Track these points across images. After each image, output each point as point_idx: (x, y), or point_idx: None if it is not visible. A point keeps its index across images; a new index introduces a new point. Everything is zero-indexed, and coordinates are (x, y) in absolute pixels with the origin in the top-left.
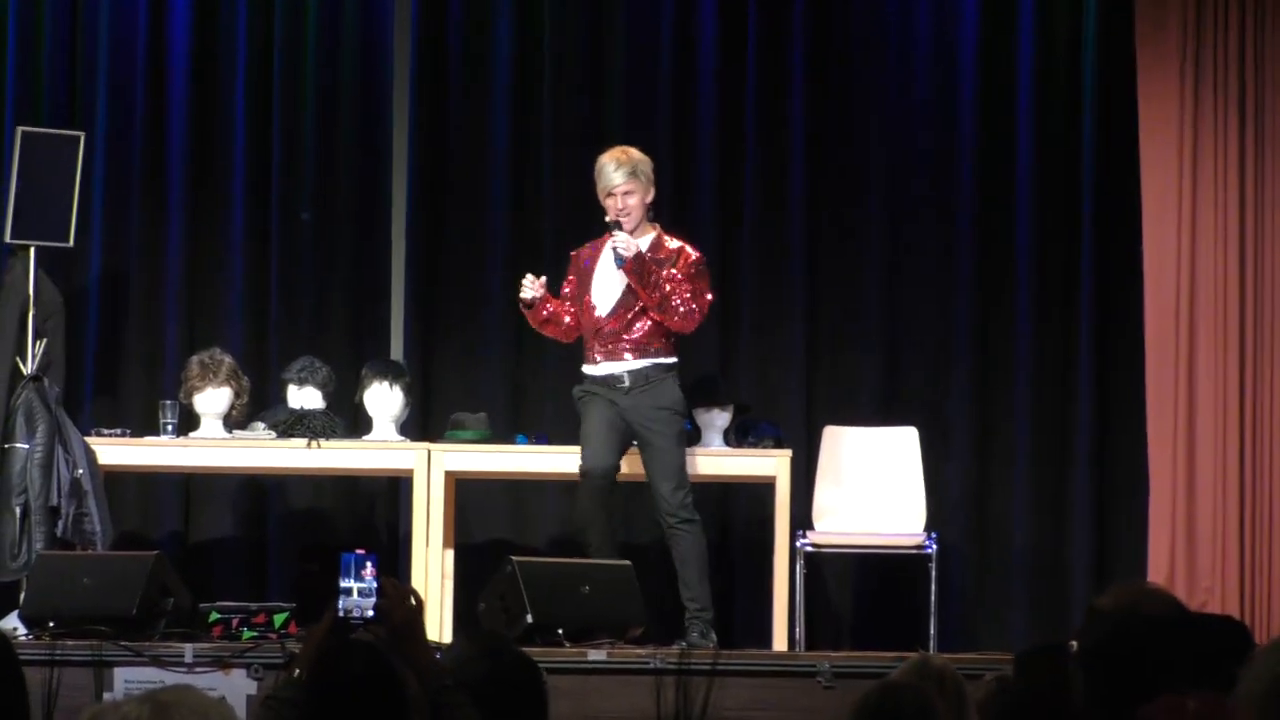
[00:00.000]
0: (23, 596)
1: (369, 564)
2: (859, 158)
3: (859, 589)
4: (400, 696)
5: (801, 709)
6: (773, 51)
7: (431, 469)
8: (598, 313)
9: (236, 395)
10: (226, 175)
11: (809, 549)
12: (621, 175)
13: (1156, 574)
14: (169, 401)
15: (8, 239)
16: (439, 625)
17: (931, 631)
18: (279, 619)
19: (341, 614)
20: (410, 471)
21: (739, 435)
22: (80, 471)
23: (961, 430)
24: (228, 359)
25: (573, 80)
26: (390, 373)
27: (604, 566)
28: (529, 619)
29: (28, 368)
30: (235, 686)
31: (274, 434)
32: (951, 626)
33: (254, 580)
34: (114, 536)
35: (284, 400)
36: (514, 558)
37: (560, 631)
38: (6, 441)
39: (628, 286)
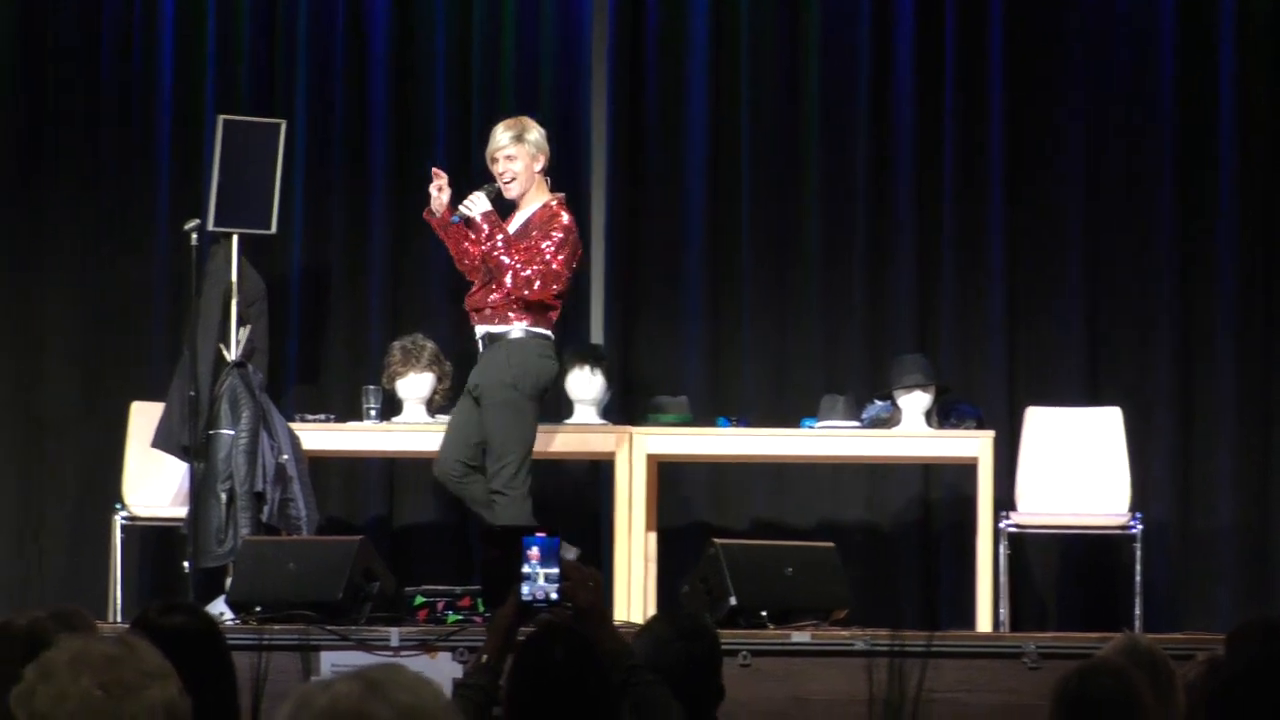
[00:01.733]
0: (229, 582)
1: (551, 546)
2: (1057, 137)
3: (1063, 570)
4: (604, 681)
5: (1006, 690)
6: (971, 28)
7: (633, 452)
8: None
9: (439, 380)
10: (427, 159)
11: (1012, 530)
12: (506, 139)
13: None
14: (372, 387)
15: (210, 226)
16: (641, 608)
17: (1137, 612)
18: (483, 603)
19: (526, 598)
20: (612, 455)
21: (941, 417)
22: (285, 457)
23: (1165, 408)
24: (430, 344)
25: (769, 62)
26: (591, 356)
27: (807, 549)
28: (732, 601)
29: (231, 354)
30: (441, 670)
31: None
32: (1157, 606)
33: (458, 564)
34: (319, 521)
35: None
36: (717, 540)
37: (764, 614)
38: (211, 428)
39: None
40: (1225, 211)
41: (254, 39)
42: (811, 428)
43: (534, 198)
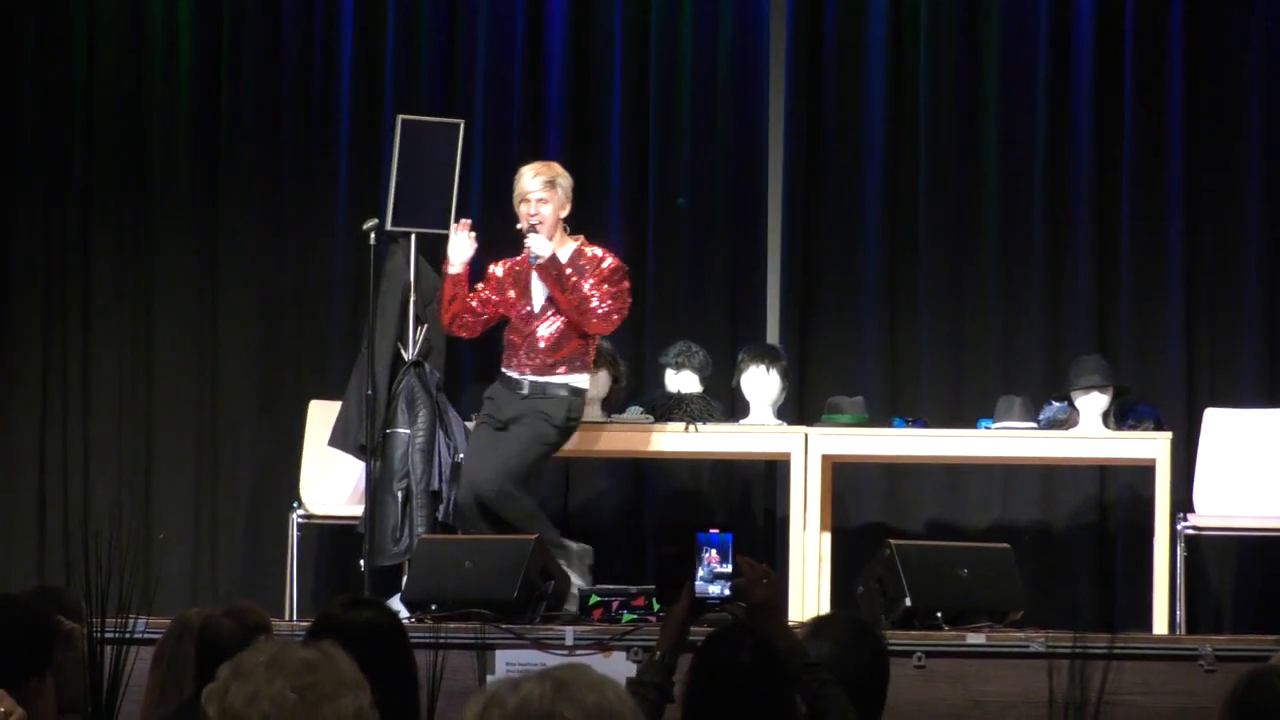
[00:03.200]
0: (405, 580)
1: (726, 543)
2: (1237, 135)
3: (1241, 572)
4: (786, 683)
5: (1183, 692)
6: (1151, 31)
7: (809, 452)
8: (526, 324)
9: (614, 380)
10: (604, 160)
11: (1190, 532)
12: (538, 184)
13: None
14: None
15: (389, 226)
16: (816, 609)
17: None
18: (657, 603)
19: (700, 594)
20: (787, 455)
21: (1119, 418)
22: (461, 456)
23: None
24: (605, 344)
25: (947, 62)
26: (767, 356)
27: (982, 550)
28: (907, 602)
29: (409, 354)
30: (615, 669)
31: (652, 418)
32: None
33: (633, 563)
34: None
35: (661, 384)
36: (892, 541)
37: (939, 615)
38: (389, 427)
39: (546, 299)
40: None
41: (433, 38)
42: (988, 428)
43: (561, 242)
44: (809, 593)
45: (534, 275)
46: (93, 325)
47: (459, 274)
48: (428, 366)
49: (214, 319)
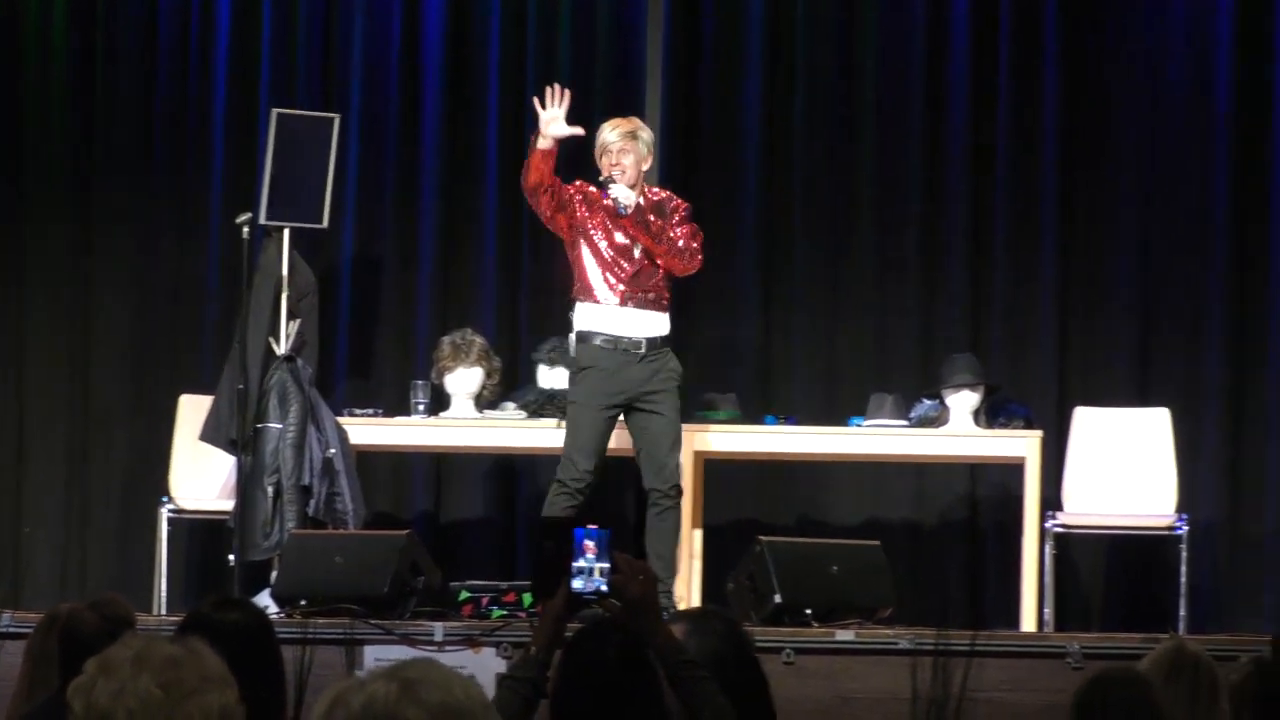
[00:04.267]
0: (274, 575)
1: (603, 539)
2: (1111, 139)
3: (1109, 570)
4: (654, 681)
5: (1050, 690)
6: (1026, 33)
7: (682, 449)
8: (634, 255)
9: (488, 375)
10: (479, 156)
11: (1058, 530)
12: (617, 135)
13: None
14: (420, 381)
15: (262, 220)
16: (687, 605)
17: (1182, 613)
18: (528, 598)
19: (576, 590)
20: None
21: (989, 416)
22: (332, 451)
23: (1214, 410)
24: (479, 339)
25: (823, 64)
26: None
27: (853, 547)
28: (777, 599)
29: (281, 348)
30: (485, 665)
31: (524, 414)
32: (1202, 608)
33: (503, 559)
34: (366, 516)
35: (534, 380)
36: (762, 537)
37: (809, 611)
38: (260, 421)
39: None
40: (1278, 214)
41: (309, 33)
42: (860, 426)
43: (640, 195)
44: (680, 589)
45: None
46: None
47: (548, 148)
48: (300, 361)
49: (86, 312)
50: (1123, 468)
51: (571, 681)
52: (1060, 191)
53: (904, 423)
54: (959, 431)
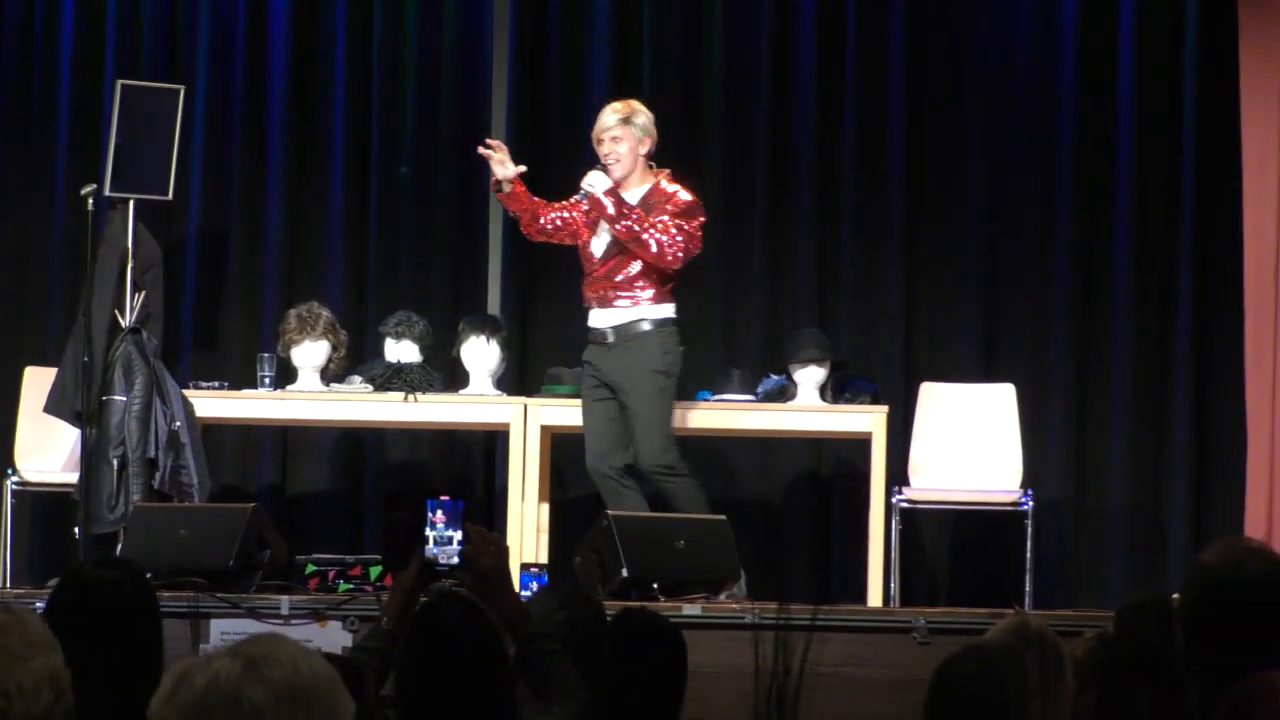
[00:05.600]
0: (120, 548)
1: (455, 511)
2: (958, 119)
3: (955, 545)
4: (499, 653)
5: (896, 664)
6: (874, 11)
7: (528, 423)
8: (596, 256)
9: (334, 349)
10: (326, 130)
11: (904, 505)
12: (613, 120)
13: (1254, 532)
14: (266, 354)
15: (107, 192)
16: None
17: (1027, 589)
18: (375, 571)
19: (428, 560)
20: (507, 426)
21: (835, 391)
22: (178, 424)
23: (1059, 387)
24: (325, 312)
25: (670, 35)
26: (487, 327)
27: (700, 521)
28: (624, 573)
29: (126, 320)
30: (331, 639)
31: (371, 387)
32: (1048, 584)
33: (350, 533)
34: (211, 489)
35: (381, 354)
36: (609, 512)
37: (655, 586)
38: (104, 394)
39: (610, 241)
40: (1123, 195)
41: (155, 4)
42: (707, 400)
43: (640, 179)
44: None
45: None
46: None
47: (506, 194)
48: (145, 333)
49: None
50: (968, 443)
51: (417, 653)
52: (907, 167)
53: (751, 397)
54: (806, 406)
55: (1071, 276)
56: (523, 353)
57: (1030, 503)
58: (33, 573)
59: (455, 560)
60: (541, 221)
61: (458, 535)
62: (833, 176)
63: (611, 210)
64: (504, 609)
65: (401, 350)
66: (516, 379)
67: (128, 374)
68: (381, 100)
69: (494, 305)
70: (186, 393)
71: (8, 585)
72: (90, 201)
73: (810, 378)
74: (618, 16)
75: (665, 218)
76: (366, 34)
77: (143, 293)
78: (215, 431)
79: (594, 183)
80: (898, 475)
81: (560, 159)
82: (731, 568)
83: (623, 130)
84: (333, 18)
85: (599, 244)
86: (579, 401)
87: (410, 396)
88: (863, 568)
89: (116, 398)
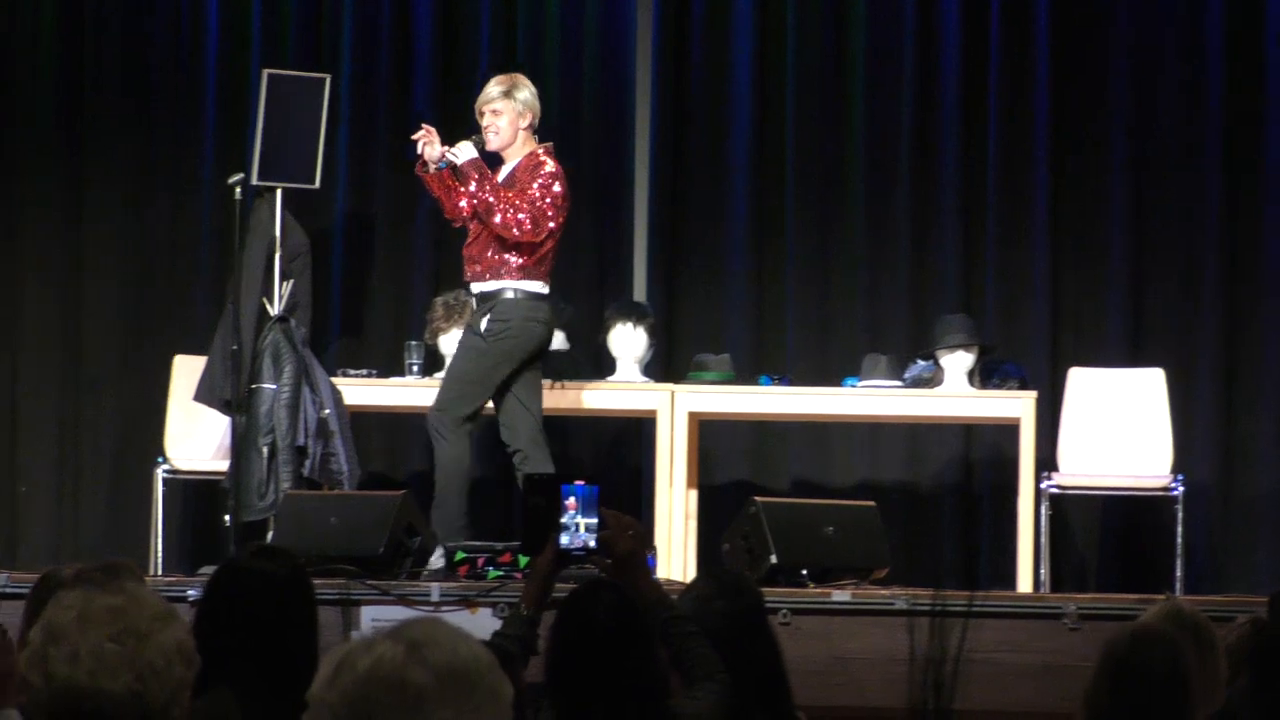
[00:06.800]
0: (270, 536)
1: (591, 495)
2: (1104, 96)
3: (1104, 531)
4: (646, 639)
5: (1046, 650)
6: None
7: (675, 410)
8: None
9: None
10: (470, 117)
11: (1053, 491)
12: (495, 92)
13: None
14: (414, 342)
15: (254, 181)
16: (682, 566)
17: (1177, 574)
18: (524, 559)
19: (564, 546)
20: (654, 412)
21: (983, 377)
22: (327, 412)
23: (1208, 371)
24: (472, 299)
25: (815, 19)
26: (634, 314)
27: (848, 508)
28: (773, 560)
29: (274, 309)
30: (481, 625)
31: None
32: (1198, 568)
33: (499, 520)
34: (360, 476)
35: None
36: (757, 498)
37: (804, 572)
38: (254, 382)
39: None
40: (1273, 173)
41: None
42: (854, 387)
43: (519, 150)
44: (674, 550)
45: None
46: None
47: (429, 175)
48: (293, 321)
49: (79, 273)
50: (1118, 428)
51: (566, 642)
52: (1053, 150)
53: (898, 383)
54: (953, 392)
55: (1221, 257)
56: (669, 339)
57: (1180, 487)
58: (184, 561)
59: (591, 545)
60: (463, 205)
61: (593, 520)
62: (977, 161)
63: (476, 180)
64: (642, 592)
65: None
66: (663, 365)
67: (276, 362)
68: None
69: (640, 292)
70: (335, 380)
71: (159, 573)
72: (237, 191)
73: (958, 363)
74: (760, 4)
75: (521, 192)
76: (510, 20)
77: (290, 281)
78: (363, 419)
79: (458, 152)
80: (1046, 461)
81: (705, 145)
82: (880, 554)
83: (504, 103)
84: (477, 4)
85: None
86: (726, 388)
87: (557, 384)
88: (1011, 554)
89: (266, 386)
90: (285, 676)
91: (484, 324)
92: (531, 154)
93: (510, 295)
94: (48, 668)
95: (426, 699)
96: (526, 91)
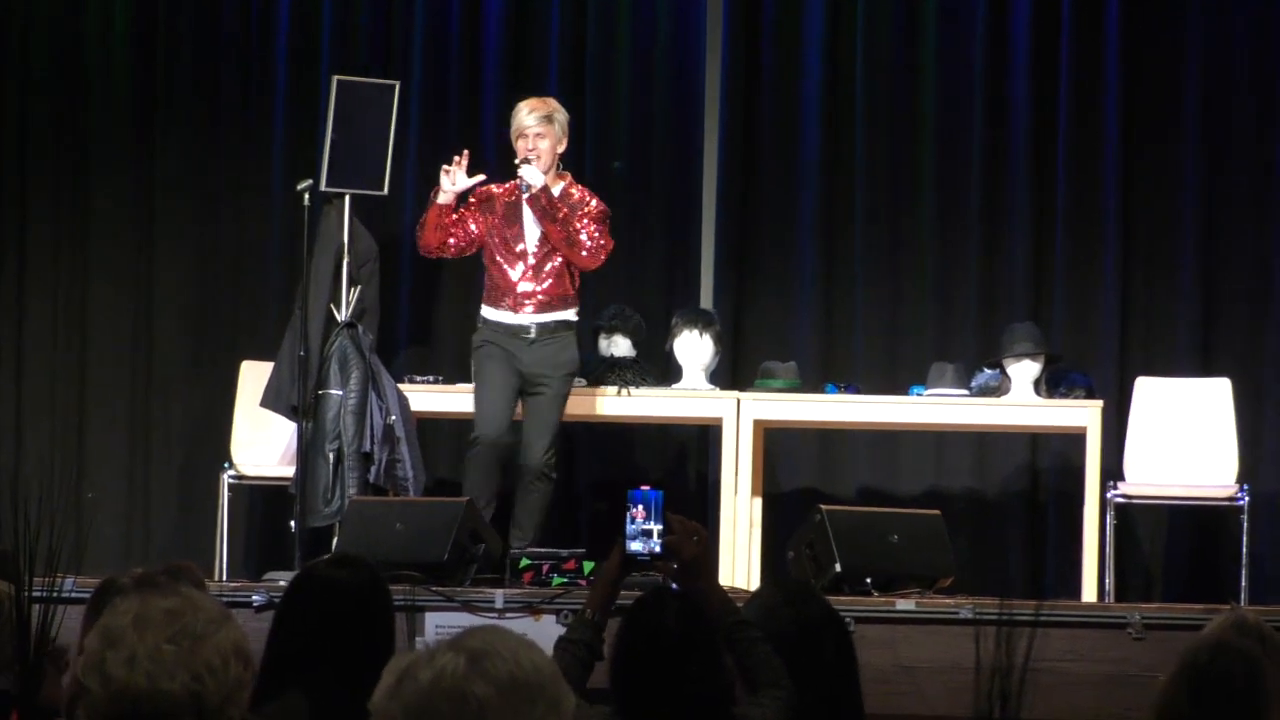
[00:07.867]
0: (335, 542)
1: (655, 501)
2: (1174, 109)
3: (1170, 541)
4: (713, 647)
5: (1111, 660)
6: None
7: (741, 418)
8: (518, 260)
9: None
10: None
11: (1119, 500)
12: (534, 119)
13: None
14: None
15: (323, 187)
16: (746, 573)
17: (1242, 584)
18: (588, 566)
19: (630, 551)
20: (720, 420)
21: (1050, 386)
22: (393, 418)
23: (1275, 381)
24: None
25: (884, 29)
26: (701, 321)
27: (913, 516)
28: (837, 568)
29: (342, 315)
30: (545, 632)
31: (585, 382)
32: (1263, 579)
33: (564, 527)
34: (426, 483)
35: (595, 348)
36: (823, 506)
37: (869, 581)
38: (320, 388)
39: (541, 236)
40: None
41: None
42: (920, 395)
43: (554, 179)
44: (740, 558)
45: (525, 209)
46: (27, 285)
47: (448, 203)
48: (360, 328)
49: (148, 279)
50: (1184, 438)
51: (631, 649)
52: (1122, 159)
53: (965, 392)
54: (1020, 401)
55: None
56: (735, 347)
57: (1246, 498)
58: (248, 566)
59: (655, 549)
60: (451, 243)
61: (658, 526)
62: (1046, 170)
63: (547, 206)
64: (708, 598)
65: (615, 344)
66: (729, 373)
67: (343, 368)
68: (594, 93)
69: (706, 299)
70: (402, 387)
71: (224, 578)
72: (306, 197)
73: (1024, 372)
74: (831, 11)
75: (588, 220)
76: (580, 26)
77: (358, 287)
78: (430, 426)
79: (534, 178)
80: (1112, 470)
81: (773, 153)
82: (945, 563)
83: (545, 128)
84: (547, 11)
85: (521, 247)
86: (792, 396)
87: (624, 390)
88: (1077, 563)
89: (332, 392)
90: (359, 683)
91: (560, 358)
92: (568, 185)
93: (571, 329)
94: (105, 671)
95: (488, 712)
96: (564, 115)
